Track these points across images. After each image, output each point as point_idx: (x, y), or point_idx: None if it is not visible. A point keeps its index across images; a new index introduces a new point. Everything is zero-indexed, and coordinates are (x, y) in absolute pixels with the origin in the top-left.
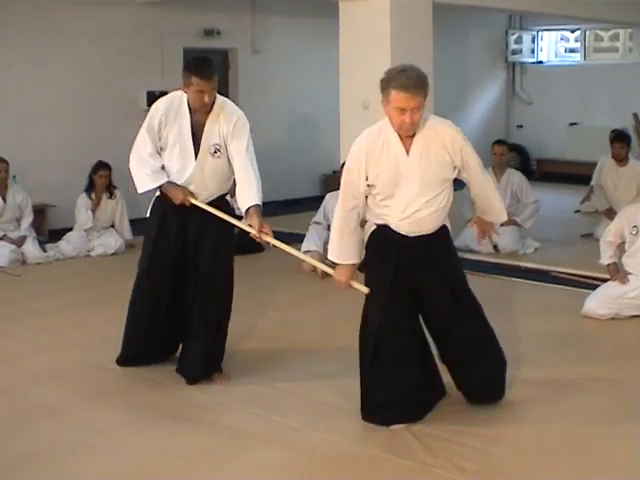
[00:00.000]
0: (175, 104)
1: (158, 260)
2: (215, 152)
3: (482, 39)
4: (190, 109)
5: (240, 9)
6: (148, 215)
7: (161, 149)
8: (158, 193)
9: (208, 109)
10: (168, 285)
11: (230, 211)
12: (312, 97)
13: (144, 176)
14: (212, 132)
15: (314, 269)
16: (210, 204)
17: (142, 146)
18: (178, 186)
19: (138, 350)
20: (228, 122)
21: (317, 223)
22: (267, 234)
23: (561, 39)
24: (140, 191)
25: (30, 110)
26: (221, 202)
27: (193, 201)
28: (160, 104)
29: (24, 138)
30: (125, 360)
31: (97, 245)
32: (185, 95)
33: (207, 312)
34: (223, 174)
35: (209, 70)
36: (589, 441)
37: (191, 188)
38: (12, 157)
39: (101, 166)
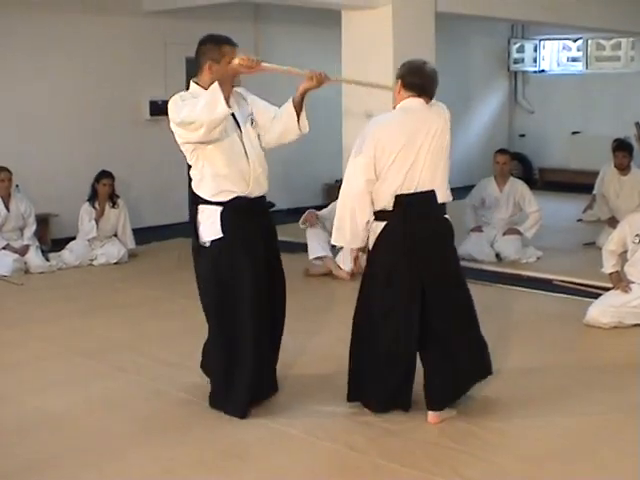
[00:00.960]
0: (198, 95)
1: (254, 277)
2: (252, 122)
3: (484, 48)
4: None
5: (243, 18)
6: (213, 240)
7: (209, 142)
8: (220, 207)
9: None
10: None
11: (268, 204)
12: (314, 106)
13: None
14: (237, 106)
15: (324, 273)
16: (260, 197)
17: (181, 111)
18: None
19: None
20: (242, 96)
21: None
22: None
23: (563, 48)
24: (218, 109)
25: (33, 119)
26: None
27: (265, 63)
28: (182, 97)
29: (27, 147)
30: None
31: (100, 254)
32: (200, 87)
33: (281, 320)
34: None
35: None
36: (591, 449)
37: (251, 162)
38: (15, 166)
39: (104, 175)
